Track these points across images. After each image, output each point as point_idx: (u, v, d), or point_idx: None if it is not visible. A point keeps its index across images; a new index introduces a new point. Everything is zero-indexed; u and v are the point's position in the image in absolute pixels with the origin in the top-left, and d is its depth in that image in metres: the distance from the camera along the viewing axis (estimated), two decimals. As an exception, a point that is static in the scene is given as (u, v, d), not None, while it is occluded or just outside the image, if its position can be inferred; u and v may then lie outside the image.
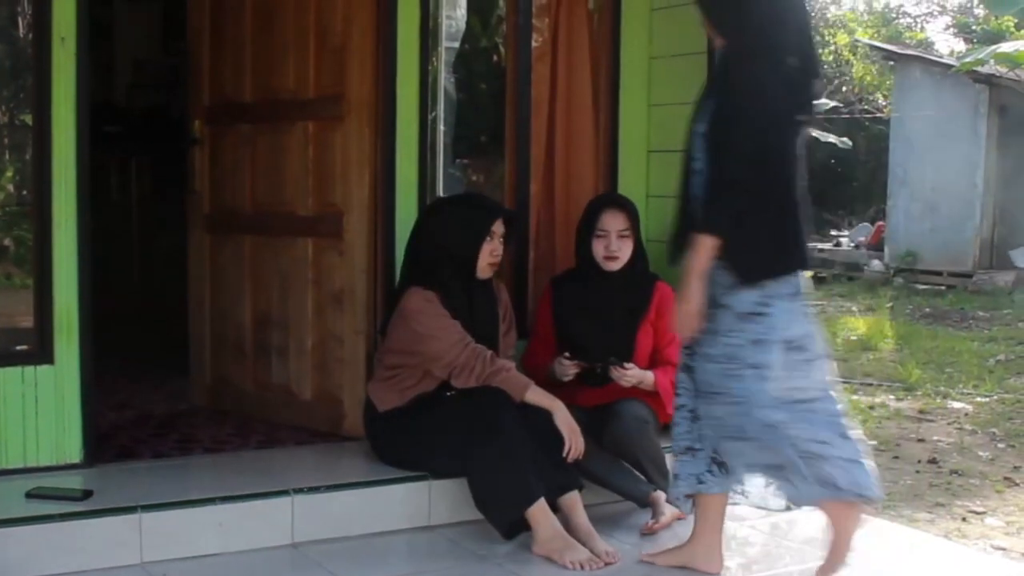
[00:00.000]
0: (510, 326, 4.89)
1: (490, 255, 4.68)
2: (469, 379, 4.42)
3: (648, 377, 4.85)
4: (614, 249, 4.92)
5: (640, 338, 4.96)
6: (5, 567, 3.86)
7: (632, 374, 4.82)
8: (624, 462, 4.78)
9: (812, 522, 4.72)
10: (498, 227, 4.70)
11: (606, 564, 4.23)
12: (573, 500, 4.43)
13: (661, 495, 4.69)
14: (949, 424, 7.84)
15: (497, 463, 4.29)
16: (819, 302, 14.44)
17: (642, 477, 4.77)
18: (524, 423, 4.39)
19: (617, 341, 4.92)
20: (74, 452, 4.56)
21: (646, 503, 4.71)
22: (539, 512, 4.28)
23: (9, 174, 6.60)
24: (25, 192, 6.11)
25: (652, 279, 5.06)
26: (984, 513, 5.77)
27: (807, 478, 3.92)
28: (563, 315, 5.04)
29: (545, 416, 4.45)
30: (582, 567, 4.18)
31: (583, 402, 4.80)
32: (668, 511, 4.65)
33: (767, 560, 4.48)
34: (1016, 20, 18.76)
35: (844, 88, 22.81)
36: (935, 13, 28.03)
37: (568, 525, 4.35)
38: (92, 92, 4.57)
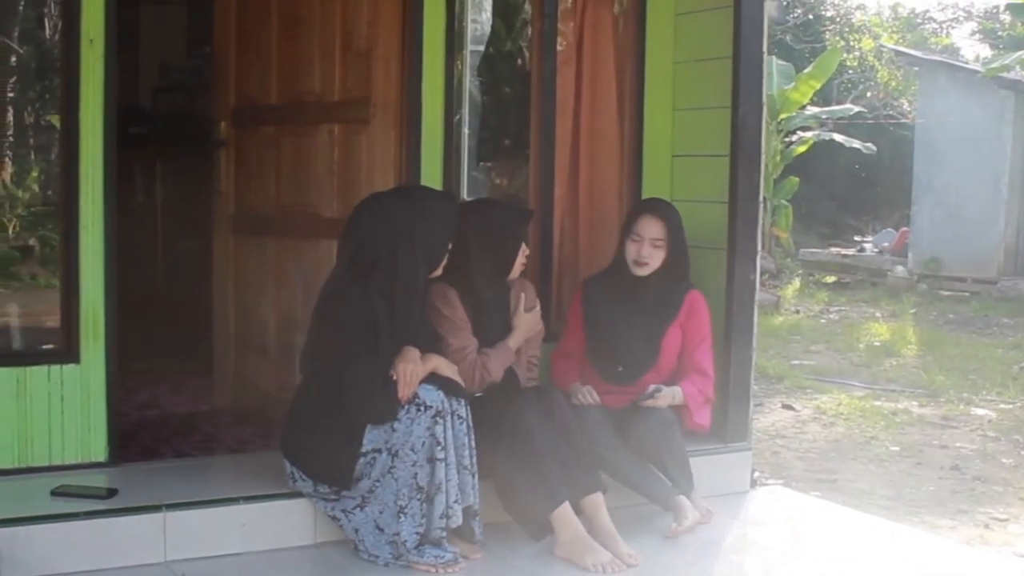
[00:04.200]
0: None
1: (523, 256, 4.75)
2: (468, 387, 4.45)
3: (678, 394, 4.86)
4: (644, 255, 4.92)
5: (665, 344, 4.96)
6: (31, 564, 3.88)
7: (664, 398, 4.81)
8: (650, 464, 4.78)
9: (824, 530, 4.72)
10: (525, 229, 4.80)
11: (628, 566, 4.24)
12: (596, 502, 4.43)
13: (685, 499, 4.69)
14: (972, 431, 7.83)
15: (522, 467, 4.30)
16: (842, 308, 14.41)
17: (666, 480, 4.76)
18: (550, 425, 4.40)
19: (642, 344, 4.94)
20: (99, 451, 4.59)
21: (670, 506, 4.70)
22: (563, 515, 4.28)
23: (35, 174, 6.65)
24: (51, 192, 6.15)
25: (686, 288, 5.05)
26: (1007, 520, 5.76)
27: None
28: (591, 313, 5.05)
29: (571, 416, 4.52)
30: (603, 570, 4.19)
31: (609, 403, 4.82)
32: (691, 515, 4.64)
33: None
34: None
35: (869, 93, 22.71)
36: (961, 19, 27.93)
37: (590, 527, 4.36)
38: (119, 95, 4.60)
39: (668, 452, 4.77)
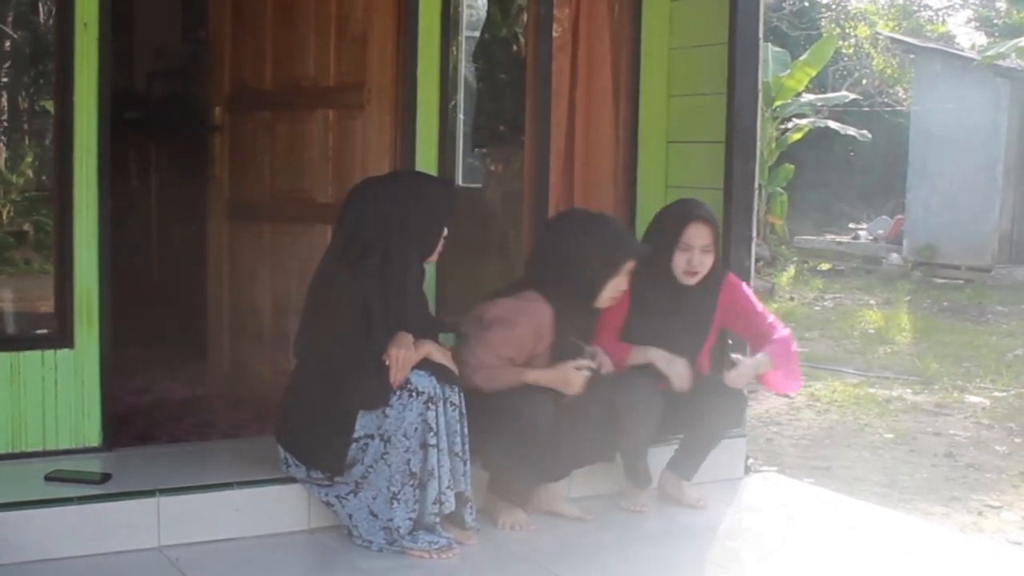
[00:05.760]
0: None
1: (615, 289, 4.55)
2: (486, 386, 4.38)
3: (763, 362, 4.68)
4: (696, 264, 4.71)
5: (704, 351, 4.87)
6: (24, 549, 3.88)
7: (744, 372, 4.68)
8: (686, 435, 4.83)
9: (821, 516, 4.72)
10: (629, 265, 4.56)
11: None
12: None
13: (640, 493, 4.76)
14: (966, 418, 7.84)
15: (512, 452, 4.35)
16: (837, 295, 14.42)
17: (650, 477, 4.78)
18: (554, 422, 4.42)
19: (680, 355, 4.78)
20: (93, 436, 4.59)
21: (636, 487, 4.75)
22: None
23: (29, 160, 6.65)
24: (45, 178, 6.16)
25: (719, 283, 4.84)
26: (1000, 507, 5.77)
27: None
28: (633, 314, 4.77)
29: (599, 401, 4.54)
30: (513, 527, 4.44)
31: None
32: (641, 504, 4.74)
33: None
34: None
35: (864, 81, 22.70)
36: (957, 6, 27.89)
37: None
38: (113, 79, 4.59)
39: (719, 428, 4.77)
